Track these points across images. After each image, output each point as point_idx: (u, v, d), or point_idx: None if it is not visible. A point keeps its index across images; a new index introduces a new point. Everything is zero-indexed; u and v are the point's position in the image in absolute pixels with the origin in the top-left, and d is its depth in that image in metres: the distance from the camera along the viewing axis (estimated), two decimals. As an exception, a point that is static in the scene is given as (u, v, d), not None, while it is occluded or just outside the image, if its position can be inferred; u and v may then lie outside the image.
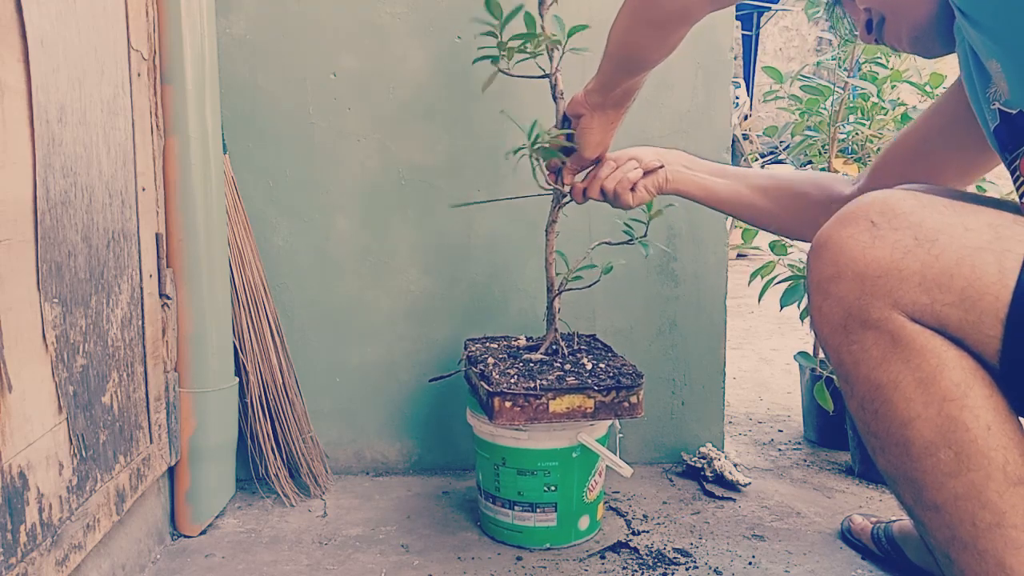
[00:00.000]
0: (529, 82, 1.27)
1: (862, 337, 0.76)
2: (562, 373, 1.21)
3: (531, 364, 1.25)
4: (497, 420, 1.16)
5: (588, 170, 1.30)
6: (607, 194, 1.22)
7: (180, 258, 1.25)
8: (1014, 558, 0.70)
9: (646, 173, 1.21)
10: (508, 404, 1.15)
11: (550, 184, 1.27)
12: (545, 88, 1.27)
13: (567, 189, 1.27)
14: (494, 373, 1.20)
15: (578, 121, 1.21)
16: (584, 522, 1.29)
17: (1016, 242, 0.72)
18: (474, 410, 1.29)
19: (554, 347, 1.32)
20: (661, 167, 1.21)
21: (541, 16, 1.23)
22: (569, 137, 1.21)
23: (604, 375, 1.21)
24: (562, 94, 1.25)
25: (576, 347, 1.37)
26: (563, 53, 1.23)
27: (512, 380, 1.17)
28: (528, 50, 1.20)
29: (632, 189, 1.21)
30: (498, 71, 1.21)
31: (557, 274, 1.31)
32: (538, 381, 1.17)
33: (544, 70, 1.25)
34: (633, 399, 1.19)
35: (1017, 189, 0.85)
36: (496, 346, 1.38)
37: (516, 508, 1.27)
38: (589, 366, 1.24)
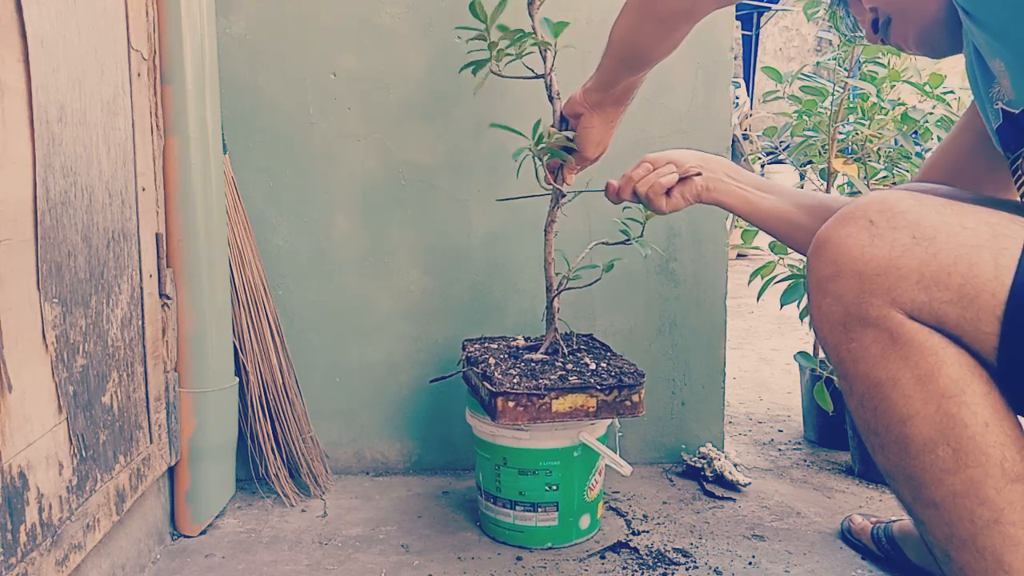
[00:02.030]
0: (526, 82, 1.27)
1: (861, 335, 0.76)
2: (564, 373, 1.21)
3: (532, 364, 1.26)
4: (500, 420, 1.16)
5: (590, 170, 1.30)
6: (639, 196, 1.17)
7: (180, 258, 1.25)
8: (1012, 555, 0.70)
9: (682, 179, 1.14)
10: (511, 404, 1.15)
11: (550, 184, 1.27)
12: (541, 88, 1.27)
13: (567, 189, 1.28)
14: (496, 373, 1.20)
15: (577, 120, 1.21)
16: (585, 521, 1.29)
17: (1013, 240, 0.72)
18: (474, 410, 1.29)
19: (554, 347, 1.33)
20: (698, 174, 1.13)
21: (531, 16, 1.23)
22: (571, 137, 1.21)
23: (606, 374, 1.21)
24: (558, 94, 1.25)
25: (576, 347, 1.37)
26: (555, 53, 1.23)
27: (515, 380, 1.17)
28: (513, 52, 1.20)
29: (668, 194, 1.14)
30: (489, 72, 1.21)
31: (556, 274, 1.31)
32: (540, 381, 1.17)
33: (535, 71, 1.25)
34: (635, 398, 1.19)
35: (1019, 188, 0.85)
36: (496, 346, 1.38)
37: (518, 508, 1.27)
38: (592, 366, 1.25)
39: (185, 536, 1.30)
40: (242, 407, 1.41)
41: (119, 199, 1.07)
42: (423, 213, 1.54)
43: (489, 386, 1.17)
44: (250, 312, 1.41)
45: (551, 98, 1.25)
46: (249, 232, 1.44)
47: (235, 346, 1.38)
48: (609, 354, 1.33)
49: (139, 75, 1.14)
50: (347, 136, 1.51)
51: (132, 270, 1.12)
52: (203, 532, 1.31)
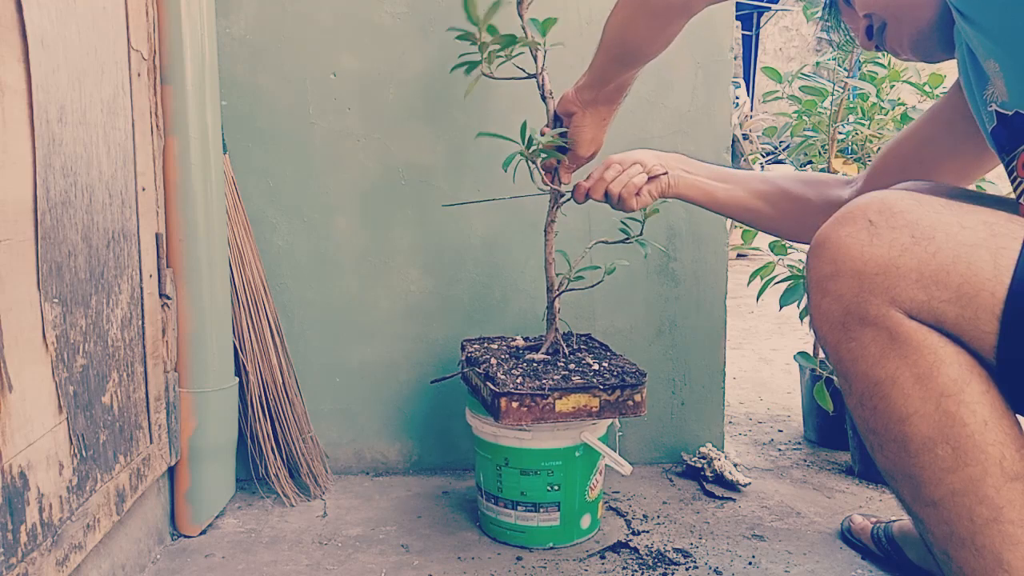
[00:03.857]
0: (526, 80, 1.27)
1: (860, 334, 0.77)
2: (567, 373, 1.21)
3: (535, 364, 1.26)
4: (504, 420, 1.16)
5: (586, 168, 1.30)
6: (611, 197, 1.23)
7: (180, 258, 1.26)
8: (1012, 553, 0.70)
9: (650, 178, 1.22)
10: (515, 404, 1.15)
11: (547, 184, 1.27)
12: (535, 87, 1.27)
13: (565, 188, 1.28)
14: (499, 373, 1.20)
15: (570, 119, 1.21)
16: (586, 520, 1.29)
17: (1011, 239, 0.72)
18: (474, 411, 1.29)
19: (555, 347, 1.33)
20: (665, 173, 1.22)
21: (520, 16, 1.23)
22: (563, 136, 1.21)
23: (608, 374, 1.21)
24: (551, 93, 1.25)
25: (576, 346, 1.37)
26: (545, 53, 1.24)
27: (518, 380, 1.18)
28: (503, 54, 1.20)
29: (637, 193, 1.22)
30: (481, 75, 1.21)
31: (557, 274, 1.31)
32: (544, 381, 1.17)
33: (527, 71, 1.25)
34: (637, 397, 1.20)
35: (1015, 190, 0.85)
36: (496, 347, 1.38)
37: (519, 508, 1.27)
38: (595, 366, 1.25)
39: (185, 536, 1.30)
40: (242, 407, 1.41)
41: (119, 199, 1.07)
42: (423, 213, 1.54)
43: (492, 386, 1.17)
44: (250, 312, 1.42)
45: (544, 97, 1.26)
46: (249, 232, 1.44)
47: (235, 346, 1.39)
48: (609, 354, 1.34)
49: (139, 75, 1.15)
50: (347, 136, 1.51)
51: (132, 270, 1.12)
52: (203, 532, 1.31)
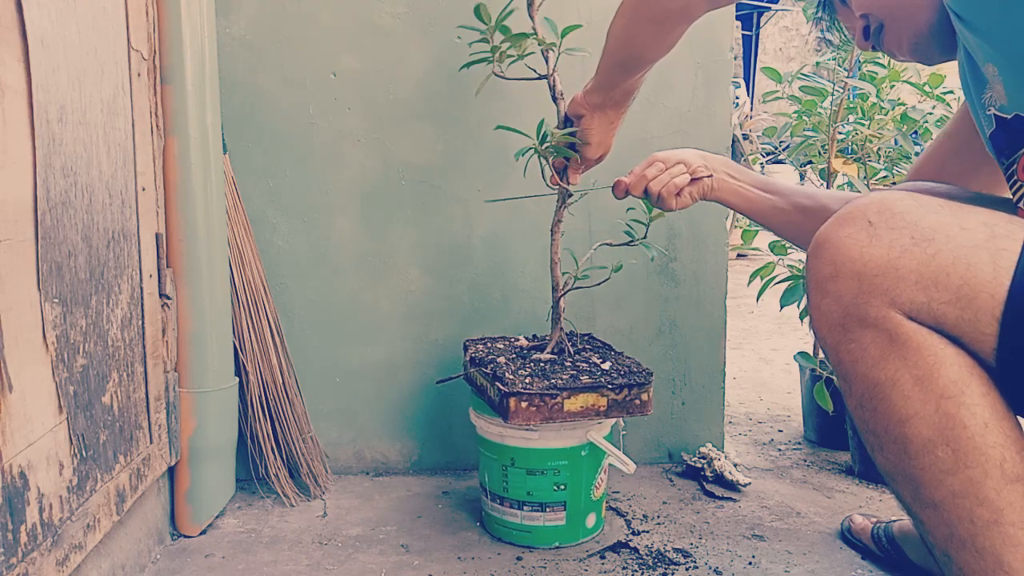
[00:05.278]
0: (525, 82, 1.28)
1: (860, 335, 0.77)
2: (575, 372, 1.22)
3: (542, 364, 1.26)
4: (513, 420, 1.16)
5: (596, 169, 1.30)
6: (651, 195, 1.20)
7: (180, 258, 1.26)
8: (1012, 555, 0.70)
9: (693, 179, 1.18)
10: (524, 404, 1.15)
11: (556, 184, 1.27)
12: (542, 88, 1.27)
13: (572, 188, 1.28)
14: (507, 373, 1.20)
15: (579, 122, 1.21)
16: (591, 520, 1.29)
17: (1011, 240, 0.72)
18: (479, 411, 1.29)
19: (560, 346, 1.33)
20: (709, 176, 1.18)
21: (532, 18, 1.24)
22: (573, 136, 1.22)
23: (616, 373, 1.22)
24: (562, 95, 1.26)
25: (580, 346, 1.37)
26: (559, 54, 1.24)
27: (526, 380, 1.18)
28: (515, 53, 1.20)
29: (678, 193, 1.19)
30: (492, 74, 1.21)
31: (563, 273, 1.31)
32: (553, 380, 1.17)
33: (537, 71, 1.25)
34: (644, 396, 1.20)
35: (1014, 194, 0.85)
36: (501, 346, 1.38)
37: (525, 508, 1.27)
38: (604, 365, 1.25)
39: (185, 536, 1.30)
40: (242, 407, 1.41)
41: (119, 199, 1.07)
42: (423, 213, 1.54)
43: (501, 386, 1.17)
44: (250, 312, 1.42)
45: (555, 98, 1.26)
46: (249, 232, 1.44)
47: (235, 346, 1.39)
48: (613, 353, 1.34)
49: (139, 75, 1.14)
50: (347, 136, 1.51)
51: (132, 270, 1.12)
52: (203, 532, 1.31)
